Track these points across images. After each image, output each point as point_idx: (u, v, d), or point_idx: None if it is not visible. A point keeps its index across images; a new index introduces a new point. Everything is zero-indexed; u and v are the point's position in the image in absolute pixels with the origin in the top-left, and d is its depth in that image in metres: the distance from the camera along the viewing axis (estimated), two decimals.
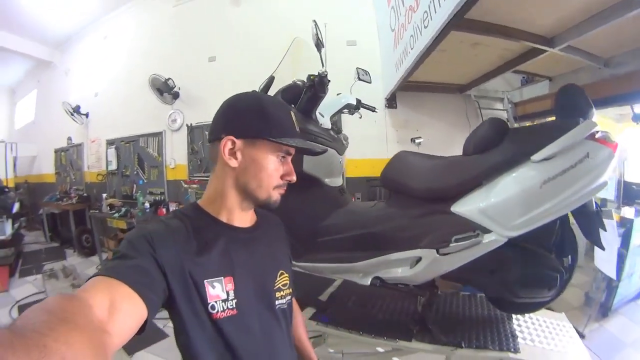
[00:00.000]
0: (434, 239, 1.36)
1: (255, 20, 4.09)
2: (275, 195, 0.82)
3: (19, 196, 5.65)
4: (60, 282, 3.86)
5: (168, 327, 2.62)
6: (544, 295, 1.36)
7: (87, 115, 5.45)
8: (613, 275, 2.45)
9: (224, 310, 0.72)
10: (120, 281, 0.56)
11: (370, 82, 2.15)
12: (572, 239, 1.41)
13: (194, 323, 0.70)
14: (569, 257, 1.41)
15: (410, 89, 3.43)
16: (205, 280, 0.71)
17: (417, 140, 3.59)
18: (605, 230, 1.36)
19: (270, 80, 1.96)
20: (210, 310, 0.71)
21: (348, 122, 3.69)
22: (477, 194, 1.31)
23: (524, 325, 1.64)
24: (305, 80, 1.65)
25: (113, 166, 5.09)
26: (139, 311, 0.56)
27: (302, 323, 1.11)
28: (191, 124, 4.42)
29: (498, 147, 1.31)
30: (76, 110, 5.33)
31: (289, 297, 0.90)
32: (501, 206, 1.25)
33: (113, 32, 5.25)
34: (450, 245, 1.31)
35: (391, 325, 1.63)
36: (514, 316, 1.68)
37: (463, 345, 1.42)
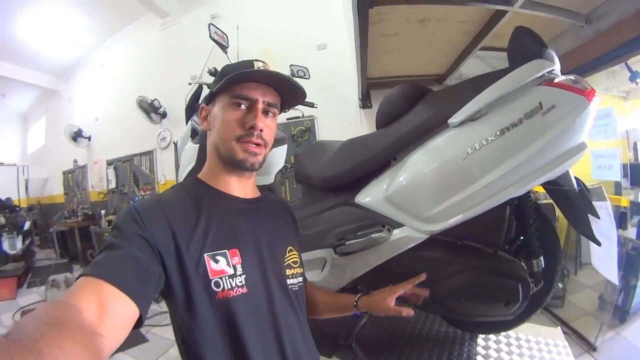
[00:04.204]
0: (334, 236, 0.99)
1: (231, 34, 3.88)
2: (240, 152, 0.67)
3: (32, 216, 5.63)
4: (61, 291, 3.86)
5: (151, 333, 2.60)
6: (499, 313, 0.93)
7: (89, 138, 5.40)
8: (614, 278, 1.78)
9: (232, 288, 0.60)
10: (105, 281, 0.48)
11: (308, 78, 1.85)
12: (547, 233, 0.97)
13: (193, 304, 0.58)
14: (541, 258, 0.94)
15: (385, 86, 3.00)
16: (205, 254, 0.60)
17: None
18: (598, 217, 0.92)
19: (200, 88, 1.80)
20: (214, 288, 0.59)
21: (322, 126, 3.51)
22: (384, 177, 0.93)
23: (496, 346, 1.18)
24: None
25: (113, 185, 5.03)
26: (129, 310, 0.49)
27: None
28: (177, 141, 4.27)
29: (407, 115, 0.92)
30: (78, 133, 5.28)
31: (300, 279, 0.75)
32: (410, 191, 0.86)
33: (108, 59, 5.22)
34: (346, 244, 0.93)
35: (321, 335, 1.24)
36: (482, 335, 1.23)
37: None
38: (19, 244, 4.60)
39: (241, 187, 0.73)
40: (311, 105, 1.74)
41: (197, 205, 0.65)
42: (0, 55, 5.02)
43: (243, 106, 0.67)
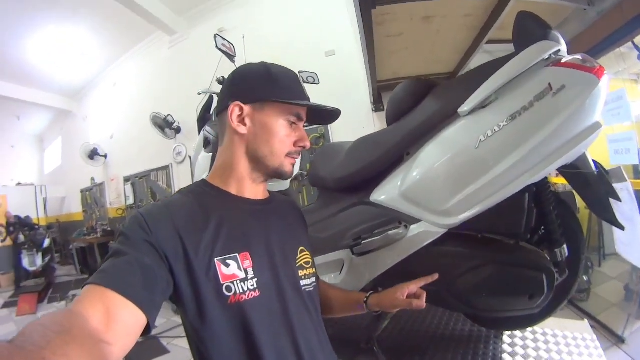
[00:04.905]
0: (350, 237, 0.98)
1: (237, 44, 3.94)
2: (288, 165, 0.71)
3: (52, 234, 5.76)
4: None
5: (172, 344, 2.61)
6: (524, 307, 0.90)
7: (105, 156, 5.52)
8: (639, 262, 1.74)
9: (244, 292, 0.59)
10: (111, 290, 0.47)
11: (317, 84, 1.87)
12: (569, 221, 0.94)
13: (204, 310, 0.57)
14: (564, 247, 0.91)
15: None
16: (216, 259, 0.59)
17: None
18: (620, 200, 0.89)
19: (211, 98, 1.82)
20: (226, 293, 0.58)
21: (336, 132, 3.50)
22: (397, 173, 0.91)
23: (522, 343, 1.16)
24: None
25: (130, 201, 5.12)
26: (136, 318, 0.48)
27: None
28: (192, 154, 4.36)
29: (417, 108, 0.91)
30: (94, 152, 5.40)
31: (313, 279, 0.74)
32: (425, 185, 0.84)
33: (120, 78, 5.37)
34: (362, 243, 0.92)
35: (342, 339, 1.21)
36: (507, 332, 1.20)
37: None
38: (39, 260, 4.76)
39: (254, 190, 0.73)
40: None
41: (206, 209, 0.64)
42: (13, 79, 5.21)
43: (294, 124, 0.70)
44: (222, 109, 0.70)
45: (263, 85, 0.67)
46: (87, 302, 0.45)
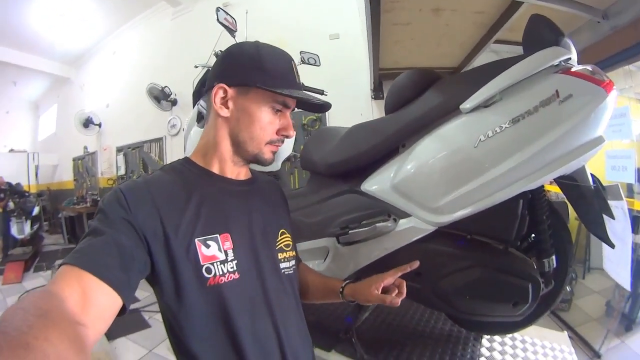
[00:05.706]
0: (337, 225, 0.96)
1: (240, 20, 3.87)
2: (268, 153, 0.69)
3: (42, 202, 5.69)
4: None
5: (154, 319, 2.61)
6: (507, 313, 0.88)
7: (100, 125, 5.43)
8: (625, 283, 1.72)
9: (223, 274, 0.59)
10: (87, 271, 0.46)
11: (318, 65, 1.83)
12: (560, 231, 0.92)
13: (182, 291, 0.56)
14: (553, 257, 0.90)
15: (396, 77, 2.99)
16: (196, 239, 0.58)
17: None
18: (614, 218, 0.87)
19: (207, 73, 1.78)
20: (205, 274, 0.57)
21: (333, 116, 3.43)
22: (391, 164, 0.89)
23: (500, 348, 1.15)
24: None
25: (122, 171, 5.06)
26: (112, 300, 0.48)
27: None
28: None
29: (418, 100, 0.88)
30: (89, 120, 5.29)
31: (293, 262, 0.73)
32: (418, 179, 0.82)
33: (120, 47, 5.25)
34: (349, 232, 0.89)
35: (321, 328, 1.22)
36: (486, 336, 1.19)
37: None
38: (27, 228, 4.71)
39: (236, 171, 0.71)
40: (321, 92, 1.72)
41: (187, 187, 0.62)
42: (12, 43, 5.07)
43: (279, 111, 0.68)
44: (209, 88, 0.68)
45: (251, 70, 0.64)
46: (63, 283, 0.45)
